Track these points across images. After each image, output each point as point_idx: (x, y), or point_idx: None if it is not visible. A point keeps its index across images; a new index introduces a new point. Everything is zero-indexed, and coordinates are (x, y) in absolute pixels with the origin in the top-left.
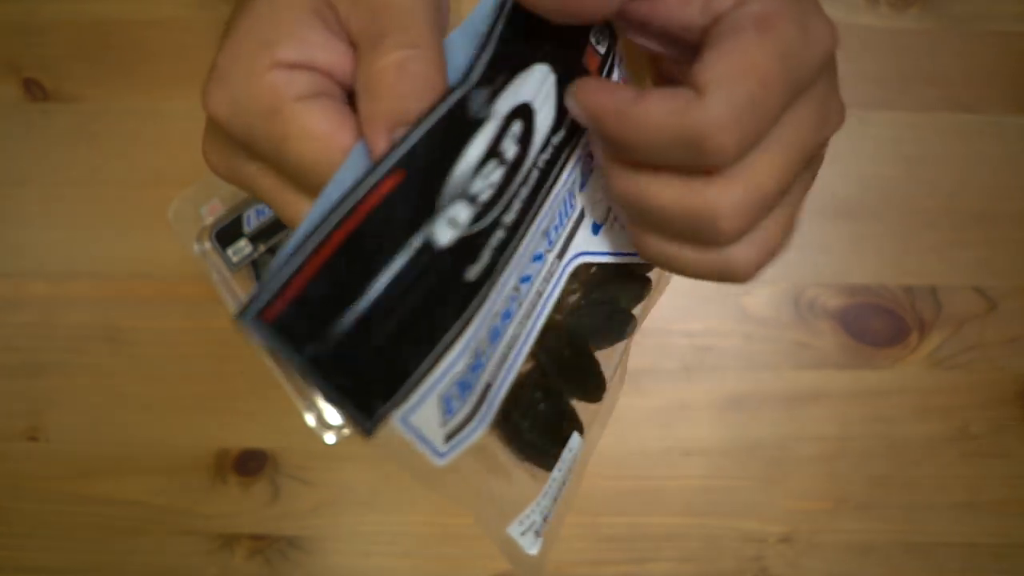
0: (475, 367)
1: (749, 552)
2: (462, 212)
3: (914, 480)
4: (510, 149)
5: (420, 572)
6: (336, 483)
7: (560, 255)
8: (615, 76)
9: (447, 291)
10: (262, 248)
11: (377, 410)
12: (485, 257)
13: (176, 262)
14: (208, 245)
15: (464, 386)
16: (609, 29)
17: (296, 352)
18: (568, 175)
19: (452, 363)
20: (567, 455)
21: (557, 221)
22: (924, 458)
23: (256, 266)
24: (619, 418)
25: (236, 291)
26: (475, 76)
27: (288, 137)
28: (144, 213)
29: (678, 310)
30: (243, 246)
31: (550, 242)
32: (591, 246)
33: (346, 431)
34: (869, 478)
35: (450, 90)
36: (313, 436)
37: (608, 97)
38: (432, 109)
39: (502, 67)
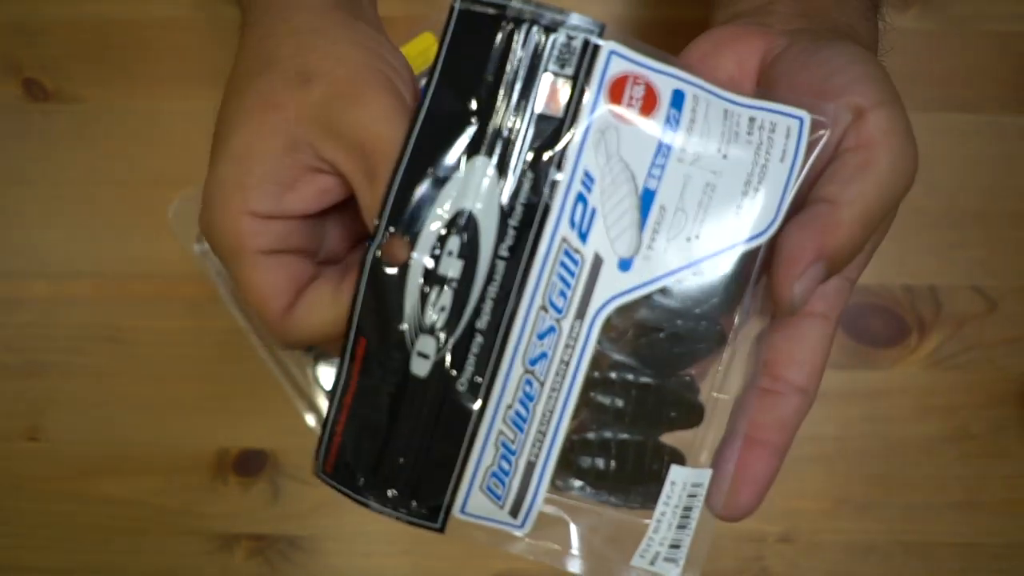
0: (505, 456)
1: (749, 552)
2: (427, 344)
3: (914, 480)
4: (451, 268)
5: (420, 572)
6: None
7: (580, 315)
8: (585, 125)
9: (442, 410)
10: None
11: (436, 516)
12: (469, 367)
13: (176, 262)
14: (208, 245)
15: (502, 473)
16: (582, 40)
17: (351, 491)
18: (549, 242)
19: (478, 460)
20: (670, 488)
21: (561, 286)
22: (924, 458)
23: None
24: None
25: (236, 291)
26: (383, 223)
27: (239, 281)
28: (144, 213)
29: None
30: None
31: (558, 311)
32: (622, 285)
33: None
34: (868, 478)
35: (364, 254)
36: (313, 436)
37: None
38: (357, 281)
39: (412, 186)
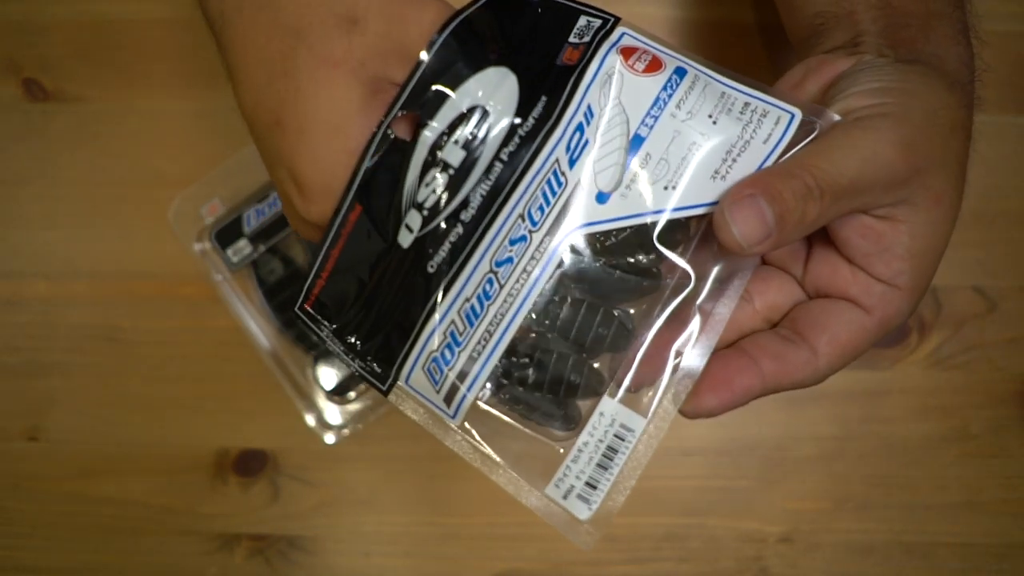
0: (451, 345)
1: (749, 552)
2: (414, 219)
3: (913, 480)
4: (454, 155)
5: (420, 572)
6: (336, 483)
7: (550, 232)
8: (596, 66)
9: (412, 283)
10: (262, 248)
11: (386, 377)
12: (443, 251)
13: (176, 262)
14: (208, 245)
15: (442, 360)
16: (599, 23)
17: (319, 331)
18: (545, 158)
19: (426, 340)
20: (597, 419)
21: (542, 201)
22: (923, 458)
23: (256, 266)
24: None
25: (236, 291)
26: (399, 101)
27: None
28: (144, 213)
29: None
30: (243, 246)
31: (534, 223)
32: (596, 215)
33: (346, 431)
34: (868, 478)
35: (378, 124)
36: (313, 436)
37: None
38: (364, 150)
39: (435, 79)
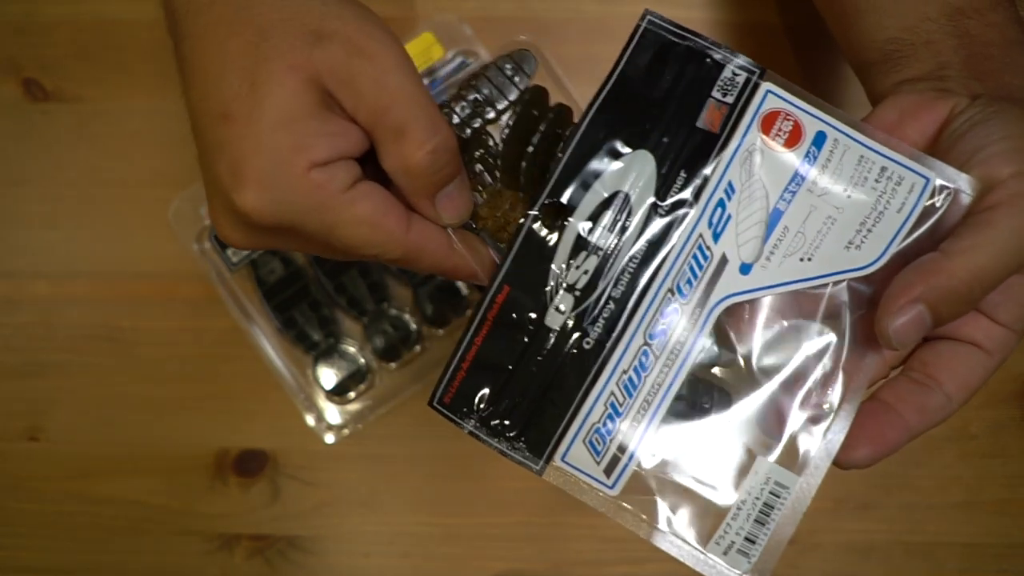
0: (611, 416)
1: None
2: (566, 300)
3: (914, 480)
4: (603, 238)
5: (420, 572)
6: (336, 483)
7: (701, 304)
8: (738, 142)
9: (565, 362)
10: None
11: (540, 456)
12: (598, 328)
13: (176, 262)
14: (208, 245)
15: (605, 431)
16: (745, 78)
17: (463, 425)
18: (689, 234)
19: (587, 414)
20: (753, 478)
21: (690, 275)
22: (924, 458)
23: (256, 266)
24: None
25: (236, 291)
26: (546, 190)
27: (338, 225)
28: (144, 213)
29: None
30: None
31: (683, 295)
32: (740, 285)
33: (346, 431)
34: (869, 478)
35: (520, 223)
36: (313, 436)
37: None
38: (515, 236)
39: (578, 170)
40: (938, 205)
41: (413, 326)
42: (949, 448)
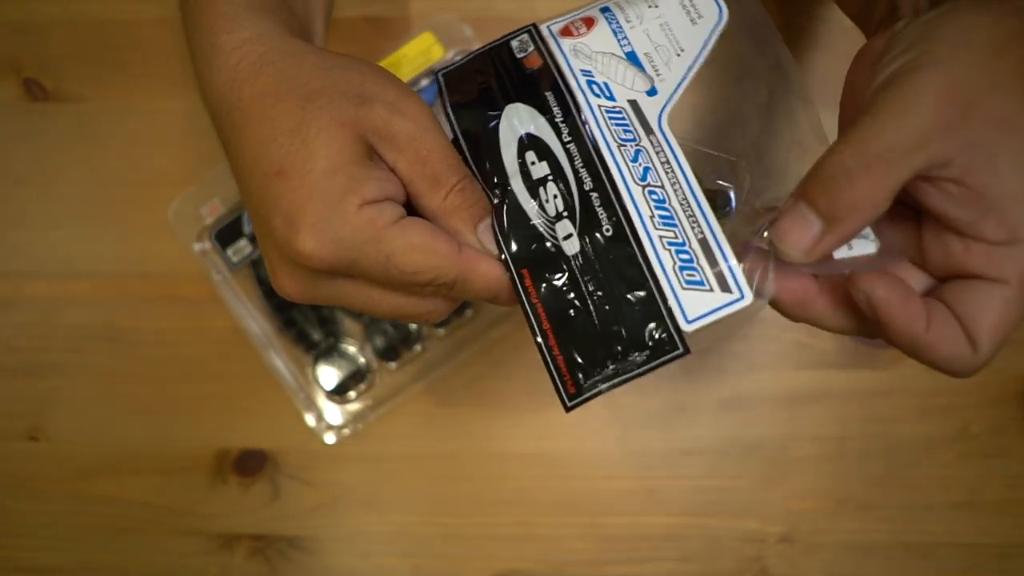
0: (679, 250)
1: (749, 552)
2: (565, 226)
3: (914, 480)
4: (540, 169)
5: (420, 572)
6: (336, 483)
7: (648, 131)
8: (559, 52)
9: (608, 259)
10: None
11: (675, 342)
12: (603, 217)
13: (176, 262)
14: (208, 245)
15: (688, 263)
16: (527, 36)
17: (602, 390)
18: (592, 112)
19: (664, 271)
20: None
21: (621, 129)
22: (924, 458)
23: (256, 266)
24: (619, 418)
25: (236, 291)
26: (489, 191)
27: (394, 254)
28: (144, 213)
29: None
30: (243, 246)
31: (633, 140)
32: (660, 101)
33: (346, 431)
34: (869, 478)
35: (489, 219)
36: (313, 436)
37: (903, 318)
38: (494, 234)
39: (479, 146)
40: None
41: (413, 326)
42: (949, 448)
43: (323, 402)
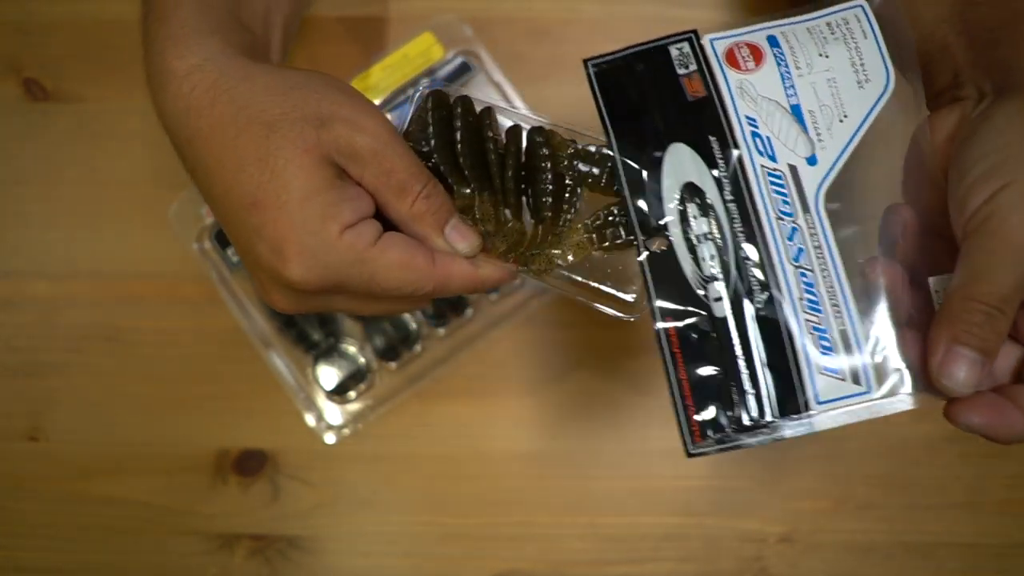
0: (822, 336)
1: (749, 552)
2: (718, 288)
3: (914, 480)
4: (702, 225)
5: (420, 572)
6: (336, 483)
7: (806, 209)
8: (726, 89)
9: (756, 331)
10: None
11: (800, 414)
12: (756, 289)
13: (176, 262)
14: (208, 245)
15: (828, 351)
16: (688, 46)
17: (724, 446)
18: (754, 172)
19: (806, 353)
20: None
21: (781, 197)
22: (924, 458)
23: None
24: (619, 418)
25: (236, 291)
26: (638, 233)
27: (376, 273)
28: (144, 213)
29: None
30: None
31: (790, 214)
32: (820, 173)
33: (346, 431)
34: (869, 478)
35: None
36: (313, 436)
37: (1003, 431)
38: (645, 282)
39: (642, 194)
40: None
41: (413, 326)
42: (949, 448)
43: (323, 402)
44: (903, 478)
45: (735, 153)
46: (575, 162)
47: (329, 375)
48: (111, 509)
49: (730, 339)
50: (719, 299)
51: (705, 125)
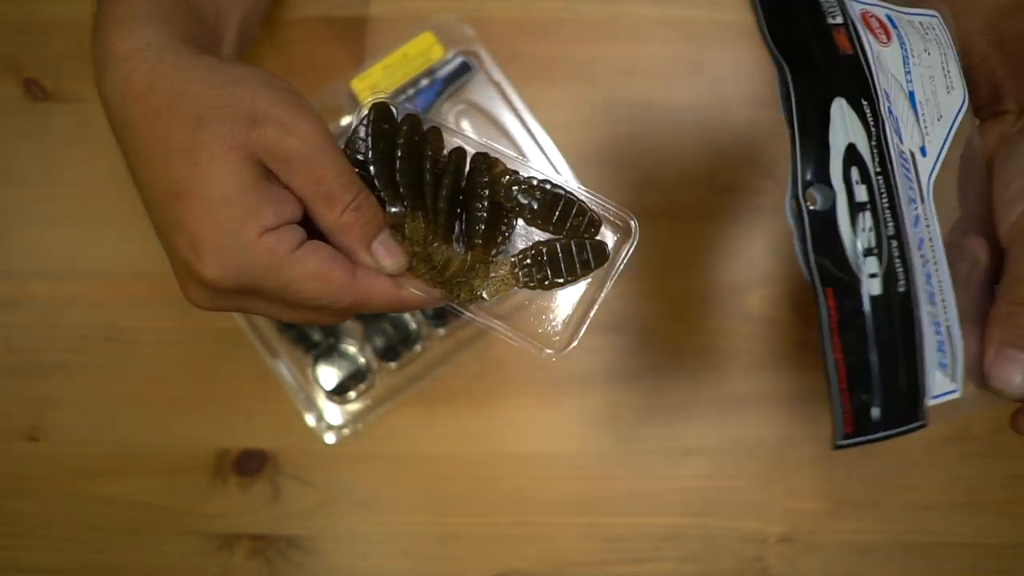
0: (938, 330)
1: (749, 552)
2: (872, 264)
3: (914, 480)
4: (861, 193)
5: (420, 572)
6: (336, 483)
7: (922, 199)
8: (870, 52)
9: (900, 315)
10: None
11: (922, 414)
12: (899, 271)
13: None
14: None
15: (941, 345)
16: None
17: (875, 435)
18: (896, 153)
19: (926, 347)
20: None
21: (908, 182)
22: (924, 458)
23: None
24: (619, 418)
25: None
26: (800, 180)
27: (292, 281)
28: (144, 213)
29: (678, 310)
30: None
31: (914, 200)
32: (928, 166)
33: (346, 431)
34: (869, 478)
35: (796, 213)
36: (313, 436)
37: None
38: (801, 235)
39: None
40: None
41: (413, 326)
42: (949, 448)
43: (323, 402)
44: (903, 478)
45: (881, 127)
46: (514, 192)
47: (329, 375)
48: (111, 509)
49: (880, 323)
50: (874, 275)
51: (858, 86)
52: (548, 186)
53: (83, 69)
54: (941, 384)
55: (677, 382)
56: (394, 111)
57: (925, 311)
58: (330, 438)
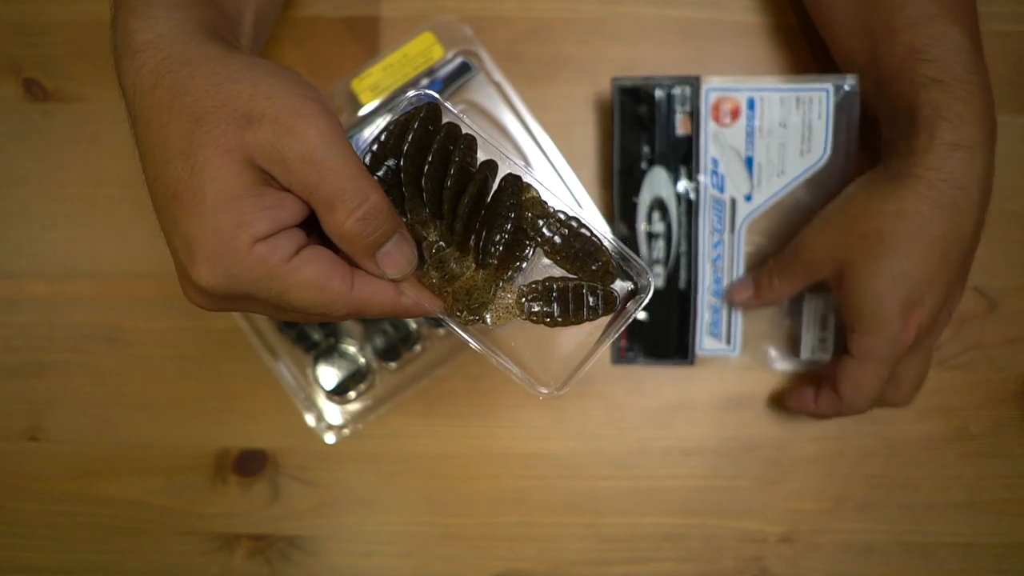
0: (715, 312)
1: (749, 552)
2: (658, 269)
3: (914, 480)
4: (658, 227)
5: (420, 572)
6: (336, 483)
7: (732, 229)
8: (704, 133)
9: (678, 300)
10: None
11: (687, 357)
12: (683, 273)
13: None
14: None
15: (716, 323)
16: (691, 89)
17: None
18: (705, 199)
19: (702, 321)
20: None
21: (717, 218)
22: (924, 458)
23: None
24: (619, 418)
25: None
26: (616, 218)
27: (287, 291)
28: (144, 213)
29: None
30: None
31: (720, 231)
32: (750, 208)
33: (346, 431)
34: (869, 478)
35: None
36: (313, 436)
37: (797, 403)
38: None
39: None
40: (847, 88)
41: (413, 326)
42: (949, 448)
43: (323, 402)
44: (903, 478)
45: (697, 188)
46: (540, 222)
47: (329, 375)
48: (111, 509)
49: (661, 303)
50: (658, 276)
51: (682, 158)
52: (575, 223)
53: (83, 69)
54: (713, 345)
55: (677, 382)
56: (442, 116)
57: (704, 300)
58: (330, 438)
